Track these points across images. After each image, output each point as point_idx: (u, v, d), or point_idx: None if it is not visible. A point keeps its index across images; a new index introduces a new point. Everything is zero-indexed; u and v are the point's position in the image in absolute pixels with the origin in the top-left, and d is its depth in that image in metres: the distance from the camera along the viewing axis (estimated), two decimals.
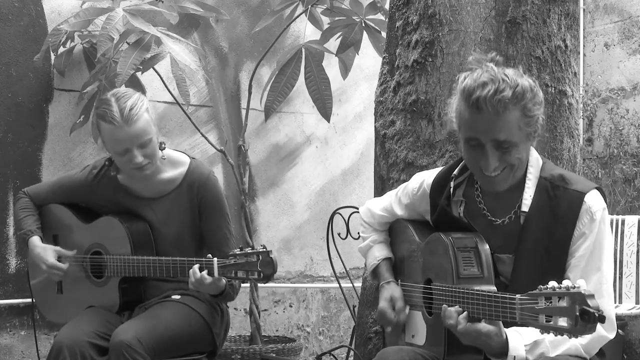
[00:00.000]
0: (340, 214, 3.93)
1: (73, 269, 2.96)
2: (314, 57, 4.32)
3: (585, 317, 1.76)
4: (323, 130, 5.18)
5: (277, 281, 5.00)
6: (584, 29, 5.81)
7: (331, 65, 4.58)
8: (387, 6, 3.95)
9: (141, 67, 3.87)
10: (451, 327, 2.08)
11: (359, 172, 5.32)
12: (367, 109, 5.07)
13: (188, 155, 2.98)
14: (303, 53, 4.32)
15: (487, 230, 2.25)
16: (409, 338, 2.43)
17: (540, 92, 2.18)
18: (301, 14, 4.43)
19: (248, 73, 4.79)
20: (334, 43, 4.42)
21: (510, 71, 2.14)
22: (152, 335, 2.67)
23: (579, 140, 3.15)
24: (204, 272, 2.65)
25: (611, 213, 4.89)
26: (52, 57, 4.21)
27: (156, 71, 4.17)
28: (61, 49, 4.14)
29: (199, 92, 4.77)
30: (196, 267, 2.67)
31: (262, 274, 2.56)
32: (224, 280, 2.72)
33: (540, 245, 2.17)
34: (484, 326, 2.02)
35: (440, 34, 3.06)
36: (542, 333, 1.87)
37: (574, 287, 1.79)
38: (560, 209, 2.16)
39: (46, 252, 2.93)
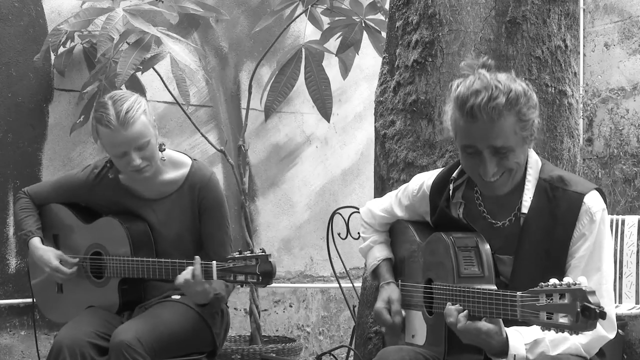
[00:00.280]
0: (340, 214, 3.93)
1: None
2: (314, 57, 4.32)
3: (586, 314, 1.76)
4: (323, 130, 5.18)
5: (277, 281, 4.97)
6: (584, 29, 5.81)
7: (331, 65, 4.58)
8: (387, 6, 3.95)
9: (141, 67, 3.87)
10: (451, 325, 2.08)
11: (359, 172, 5.31)
12: (367, 109, 5.07)
13: (189, 157, 2.97)
14: (303, 53, 4.32)
15: (487, 232, 2.25)
16: (409, 338, 2.42)
17: (534, 95, 2.17)
18: (301, 14, 4.43)
19: (248, 73, 4.79)
20: (334, 43, 4.42)
21: (502, 76, 2.12)
22: (152, 335, 2.67)
23: (579, 140, 3.15)
24: (197, 276, 2.65)
25: (611, 213, 4.89)
26: (52, 57, 4.21)
27: (156, 71, 4.17)
28: (61, 49, 4.14)
29: (199, 92, 4.76)
30: (189, 269, 2.67)
31: (260, 278, 2.56)
32: (212, 294, 2.72)
33: (540, 246, 2.17)
34: (484, 324, 2.02)
35: (440, 34, 3.06)
36: (543, 330, 1.87)
37: (575, 284, 1.80)
38: (559, 210, 2.16)
39: (48, 255, 2.92)
